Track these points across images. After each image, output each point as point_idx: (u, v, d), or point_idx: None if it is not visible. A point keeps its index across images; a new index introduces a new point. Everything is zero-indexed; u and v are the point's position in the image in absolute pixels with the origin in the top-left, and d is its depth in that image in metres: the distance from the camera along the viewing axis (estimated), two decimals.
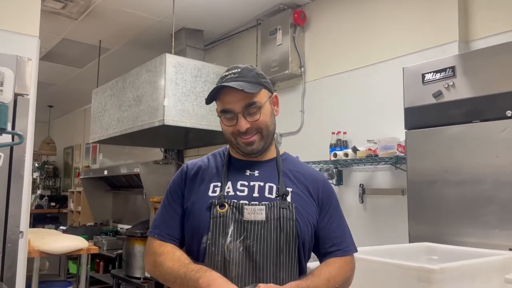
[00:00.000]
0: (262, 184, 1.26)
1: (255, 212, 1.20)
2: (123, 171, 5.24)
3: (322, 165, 3.19)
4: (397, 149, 2.63)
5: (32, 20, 2.66)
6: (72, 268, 5.35)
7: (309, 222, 1.25)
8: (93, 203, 6.47)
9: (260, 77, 1.28)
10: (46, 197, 8.01)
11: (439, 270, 1.28)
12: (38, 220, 7.40)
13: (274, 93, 1.33)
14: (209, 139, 4.22)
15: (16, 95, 1.99)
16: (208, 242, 1.19)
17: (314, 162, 3.23)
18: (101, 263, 5.48)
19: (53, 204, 7.88)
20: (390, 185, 2.94)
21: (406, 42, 2.94)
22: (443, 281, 1.31)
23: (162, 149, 5.09)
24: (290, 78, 3.75)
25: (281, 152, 1.39)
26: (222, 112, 1.27)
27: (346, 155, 2.95)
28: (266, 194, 1.25)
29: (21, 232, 2.06)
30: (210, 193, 1.26)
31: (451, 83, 2.05)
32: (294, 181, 1.30)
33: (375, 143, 2.78)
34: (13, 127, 1.98)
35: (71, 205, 7.17)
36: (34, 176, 8.84)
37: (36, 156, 8.91)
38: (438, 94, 2.10)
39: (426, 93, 2.15)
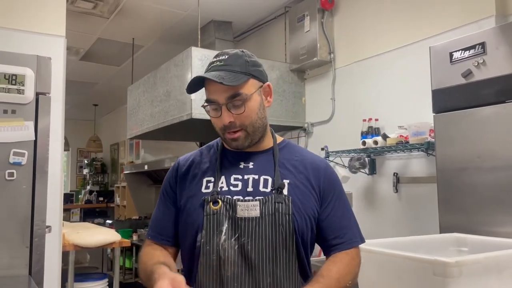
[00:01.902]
0: (256, 177, 1.19)
1: (249, 209, 1.13)
2: (162, 165, 5.34)
3: (352, 154, 3.07)
4: (429, 135, 2.47)
5: (58, 20, 2.73)
6: (120, 261, 5.55)
7: (307, 215, 1.17)
8: (137, 197, 6.67)
9: (249, 65, 1.18)
10: (95, 192, 8.36)
11: (455, 264, 1.18)
12: (88, 214, 7.75)
13: (267, 83, 1.23)
14: None
15: (37, 94, 2.05)
16: (202, 240, 1.14)
17: (344, 151, 3.12)
18: None
19: (101, 199, 8.20)
20: (425, 173, 2.78)
21: (438, 20, 2.75)
22: (462, 275, 1.20)
23: (198, 143, 5.13)
24: (320, 65, 3.64)
25: (279, 140, 1.30)
26: (207, 102, 1.19)
27: (376, 142, 2.82)
28: (261, 188, 1.17)
29: (48, 226, 2.13)
30: (203, 190, 1.20)
31: (481, 61, 1.88)
32: (292, 171, 1.22)
33: (406, 129, 2.63)
34: (35, 125, 2.04)
35: (117, 200, 7.44)
36: (84, 173, 9.26)
37: (85, 153, 9.32)
38: (467, 74, 1.94)
39: (455, 73, 1.99)
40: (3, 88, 1.96)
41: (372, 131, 3.05)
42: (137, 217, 6.54)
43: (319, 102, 3.69)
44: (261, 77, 1.21)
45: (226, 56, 1.18)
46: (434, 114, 2.09)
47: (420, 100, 2.80)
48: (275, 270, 1.12)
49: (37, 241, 2.01)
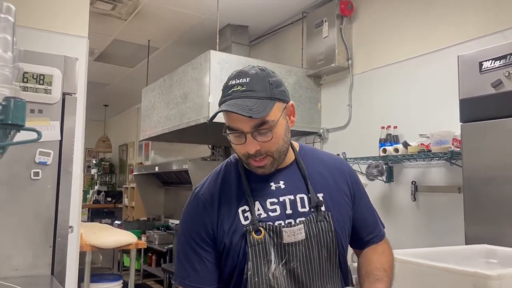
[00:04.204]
0: (292, 197, 1.15)
1: (295, 233, 1.11)
2: (173, 167, 5.35)
3: (370, 161, 3.06)
4: (452, 144, 2.46)
5: (81, 21, 2.73)
6: (127, 262, 5.55)
7: (345, 225, 1.19)
8: (146, 199, 6.67)
9: (273, 87, 1.09)
10: (103, 193, 8.36)
11: (497, 277, 1.16)
12: (95, 214, 7.75)
13: (290, 102, 1.15)
14: None
15: (64, 94, 2.06)
16: (249, 273, 1.09)
17: (362, 158, 3.11)
18: (153, 257, 5.64)
19: (109, 199, 8.20)
20: (445, 182, 2.76)
21: (462, 28, 2.75)
22: None
23: (210, 146, 5.13)
24: (337, 71, 3.64)
25: (297, 148, 1.26)
26: (229, 130, 1.09)
27: (397, 150, 2.81)
28: (300, 209, 1.14)
29: (70, 227, 2.13)
30: (243, 222, 1.13)
31: None
32: (322, 182, 1.19)
33: (428, 137, 2.62)
34: (61, 126, 2.04)
35: (125, 200, 7.44)
36: (92, 173, 9.27)
37: (94, 153, 9.34)
38: (497, 84, 1.92)
39: (484, 82, 1.98)
40: (31, 87, 1.96)
41: (390, 139, 3.04)
42: (146, 218, 6.54)
43: (335, 108, 3.69)
44: (285, 98, 1.13)
45: (247, 79, 1.07)
46: (461, 123, 2.08)
47: (441, 108, 2.79)
48: (324, 285, 1.14)
49: (60, 241, 2.00)
